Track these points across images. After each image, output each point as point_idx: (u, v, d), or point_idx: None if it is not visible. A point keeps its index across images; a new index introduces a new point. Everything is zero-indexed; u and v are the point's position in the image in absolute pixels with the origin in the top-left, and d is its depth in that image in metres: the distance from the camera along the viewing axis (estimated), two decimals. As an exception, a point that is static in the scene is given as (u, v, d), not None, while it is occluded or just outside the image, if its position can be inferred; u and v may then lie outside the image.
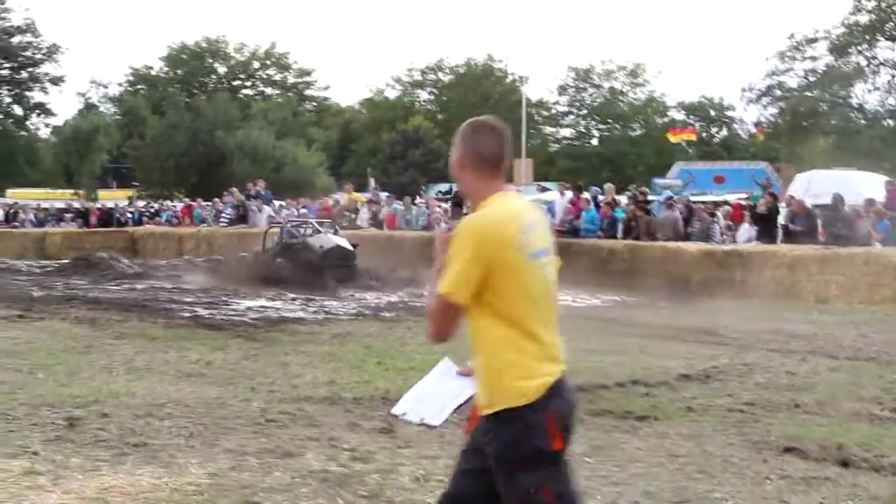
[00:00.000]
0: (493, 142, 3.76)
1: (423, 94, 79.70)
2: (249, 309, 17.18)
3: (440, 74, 77.42)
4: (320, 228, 23.98)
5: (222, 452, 6.98)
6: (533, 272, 3.60)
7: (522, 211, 3.71)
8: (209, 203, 35.91)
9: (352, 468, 6.67)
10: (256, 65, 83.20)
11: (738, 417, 8.46)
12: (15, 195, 50.97)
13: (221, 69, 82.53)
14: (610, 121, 76.59)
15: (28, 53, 63.75)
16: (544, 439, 3.54)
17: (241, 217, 33.28)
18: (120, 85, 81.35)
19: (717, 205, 26.61)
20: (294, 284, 20.65)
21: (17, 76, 63.95)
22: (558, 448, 3.58)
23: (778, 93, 59.96)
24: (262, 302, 18.34)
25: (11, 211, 37.48)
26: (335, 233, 23.96)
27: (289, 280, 21.13)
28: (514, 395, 3.54)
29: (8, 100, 65.11)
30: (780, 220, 22.88)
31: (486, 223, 3.60)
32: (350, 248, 22.67)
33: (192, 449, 7.05)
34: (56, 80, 64.82)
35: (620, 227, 24.39)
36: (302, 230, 24.19)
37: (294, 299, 18.84)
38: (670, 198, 25.83)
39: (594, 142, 78.08)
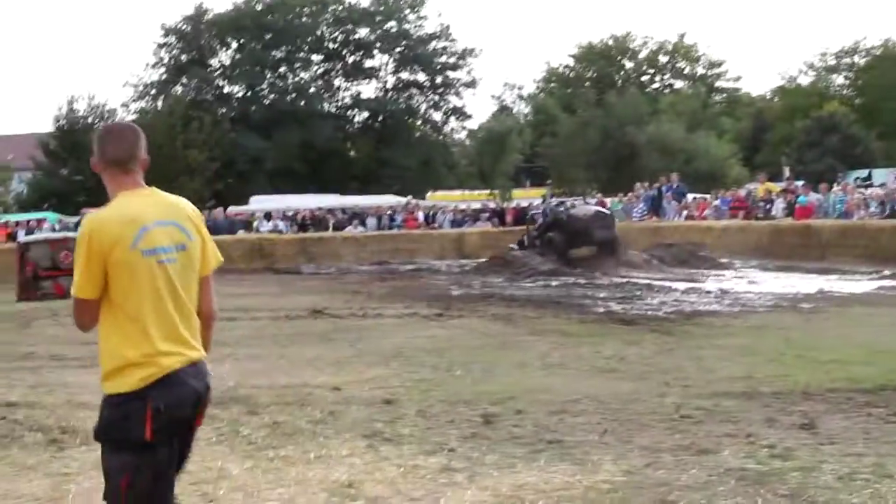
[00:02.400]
0: (118, 145, 3.97)
1: (839, 79, 75.98)
2: (663, 303, 16.95)
3: (856, 58, 73.48)
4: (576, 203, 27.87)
5: (637, 449, 6.80)
6: (149, 269, 3.74)
7: (144, 209, 3.85)
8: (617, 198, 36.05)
9: (771, 465, 6.31)
10: (664, 58, 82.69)
11: None
12: (434, 198, 53.28)
13: (629, 64, 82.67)
14: None
15: (442, 59, 66.13)
16: (137, 428, 3.63)
17: (654, 211, 33.11)
18: (535, 82, 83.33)
19: None
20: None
21: (434, 82, 66.57)
22: (150, 439, 3.63)
23: None
24: (676, 296, 18.06)
25: (431, 213, 39.21)
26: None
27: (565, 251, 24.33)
28: (119, 381, 3.71)
29: (425, 106, 67.93)
30: None
31: (96, 222, 3.77)
32: (608, 212, 26.11)
33: (605, 446, 6.92)
34: (470, 84, 66.90)
35: None
36: (562, 208, 27.37)
37: (708, 292, 18.41)
38: None
39: None
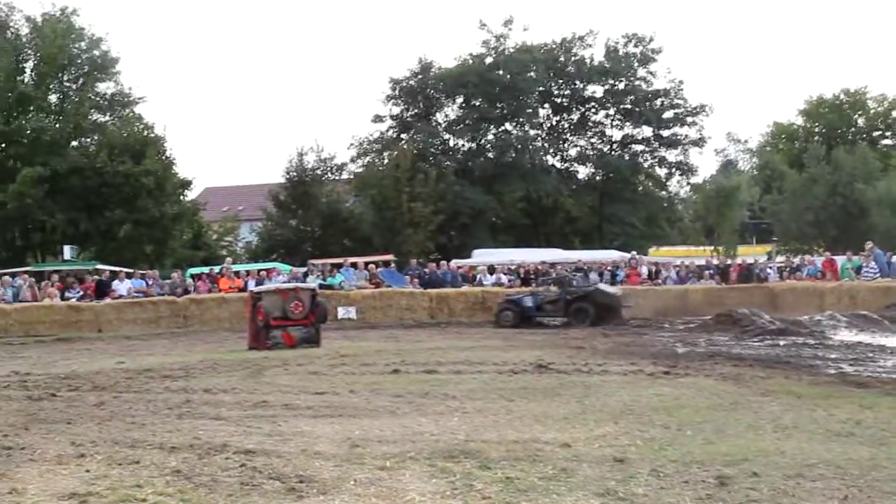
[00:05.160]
0: None
1: None
2: (897, 366, 16.30)
3: None
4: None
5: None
6: None
7: None
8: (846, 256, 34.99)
9: None
10: (896, 114, 79.91)
11: None
12: (657, 254, 52.89)
13: (861, 120, 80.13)
14: None
15: (670, 114, 65.44)
16: None
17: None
18: (760, 135, 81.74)
19: None
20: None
21: (661, 137, 65.90)
22: None
23: None
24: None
25: (654, 269, 38.82)
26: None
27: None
28: None
29: (650, 160, 67.34)
30: None
31: None
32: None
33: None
34: (698, 143, 65.91)
35: None
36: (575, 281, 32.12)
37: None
38: None
39: None
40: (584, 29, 66.06)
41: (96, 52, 52.31)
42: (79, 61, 52.12)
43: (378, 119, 65.21)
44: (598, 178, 65.65)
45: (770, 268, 39.78)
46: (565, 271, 34.71)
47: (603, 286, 32.44)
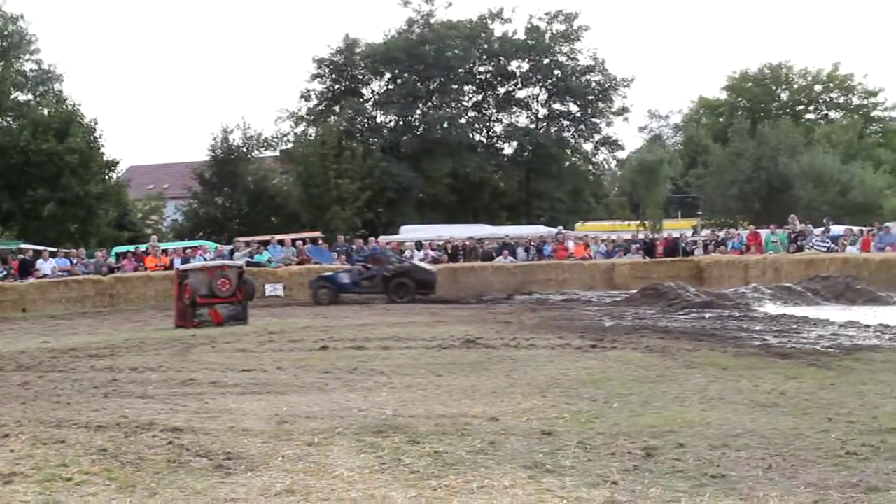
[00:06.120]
0: None
1: None
2: (821, 336, 16.56)
3: None
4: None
5: (803, 486, 6.69)
6: None
7: None
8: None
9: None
10: (819, 88, 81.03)
11: None
12: (583, 228, 53.19)
13: (784, 95, 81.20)
14: None
15: (595, 91, 65.66)
16: None
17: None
18: (679, 112, 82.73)
19: None
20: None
21: (585, 112, 66.14)
22: None
23: None
24: (834, 329, 17.63)
25: (582, 243, 39.05)
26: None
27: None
28: None
29: (575, 136, 67.52)
30: None
31: None
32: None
33: (770, 481, 6.82)
34: (621, 112, 66.13)
35: None
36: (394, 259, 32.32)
37: (867, 326, 17.91)
38: None
39: None
40: (506, 4, 65.09)
41: (12, 28, 51.33)
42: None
43: (305, 97, 64.82)
44: (524, 153, 65.75)
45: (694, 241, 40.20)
46: (381, 250, 34.51)
47: (419, 263, 33.36)
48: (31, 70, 52.98)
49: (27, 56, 52.40)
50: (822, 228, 34.76)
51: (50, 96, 53.04)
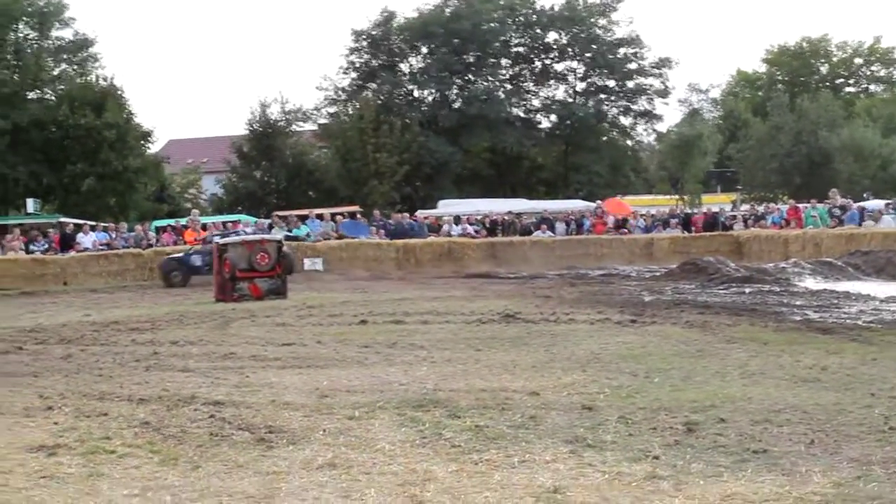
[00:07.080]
0: None
1: None
2: (862, 311, 16.43)
3: None
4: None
5: (846, 461, 6.63)
6: None
7: None
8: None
9: None
10: (860, 62, 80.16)
11: None
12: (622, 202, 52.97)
13: (824, 68, 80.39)
14: None
15: (633, 66, 65.42)
16: None
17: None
18: (717, 86, 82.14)
19: None
20: None
21: (624, 87, 65.94)
22: None
23: None
24: (876, 304, 17.48)
25: (621, 217, 38.96)
26: None
27: None
28: None
29: (614, 110, 67.34)
30: None
31: None
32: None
33: (813, 457, 6.77)
34: (663, 93, 66.05)
35: None
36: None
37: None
38: None
39: None
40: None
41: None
42: (30, 9, 51.36)
43: (347, 69, 64.84)
44: (562, 127, 65.54)
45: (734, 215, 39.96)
46: (235, 231, 32.90)
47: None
48: (68, 40, 53.16)
49: (62, 24, 52.50)
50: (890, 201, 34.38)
51: (87, 67, 53.31)
